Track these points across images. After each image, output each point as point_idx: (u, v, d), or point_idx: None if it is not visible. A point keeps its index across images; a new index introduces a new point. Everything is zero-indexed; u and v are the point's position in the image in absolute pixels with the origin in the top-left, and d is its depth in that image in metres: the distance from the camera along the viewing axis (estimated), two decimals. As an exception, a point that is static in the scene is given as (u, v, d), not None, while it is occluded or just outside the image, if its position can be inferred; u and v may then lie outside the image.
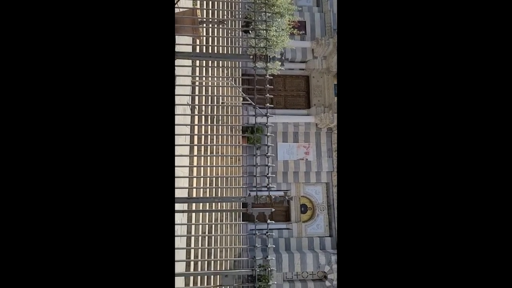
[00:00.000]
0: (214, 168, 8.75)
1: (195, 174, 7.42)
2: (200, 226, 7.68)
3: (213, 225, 8.39)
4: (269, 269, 5.80)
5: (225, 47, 9.89)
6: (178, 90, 6.01)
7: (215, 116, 8.69)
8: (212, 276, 8.27)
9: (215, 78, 8.45)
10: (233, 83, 9.83)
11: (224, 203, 9.47)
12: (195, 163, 7.53)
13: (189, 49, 7.59)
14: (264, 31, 5.52)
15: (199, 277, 7.55)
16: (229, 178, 9.86)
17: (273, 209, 5.62)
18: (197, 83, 8.20)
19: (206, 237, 8.02)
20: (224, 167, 9.41)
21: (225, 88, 9.53)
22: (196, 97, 8.07)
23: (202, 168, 7.82)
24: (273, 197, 5.48)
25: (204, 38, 8.23)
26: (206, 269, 8.05)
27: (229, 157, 10.22)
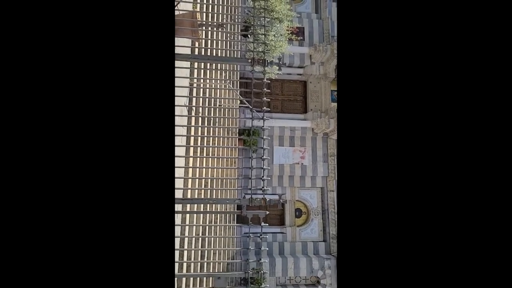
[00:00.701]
0: (210, 169, 8.78)
1: (190, 175, 7.44)
2: (194, 227, 7.69)
3: (207, 227, 8.40)
4: (262, 272, 5.81)
5: (224, 50, 9.94)
6: (176, 91, 6.04)
7: (212, 118, 8.72)
8: (204, 278, 8.27)
9: (213, 81, 8.50)
10: (231, 86, 9.87)
11: (218, 205, 9.48)
12: (190, 164, 7.55)
13: (187, 51, 7.63)
14: (263, 36, 5.57)
15: (191, 278, 7.55)
16: (224, 180, 9.87)
17: (267, 212, 5.65)
18: (195, 85, 8.23)
19: (200, 238, 8.03)
20: (220, 169, 9.43)
21: (222, 90, 9.57)
22: (194, 99, 8.10)
23: (197, 169, 7.84)
24: (267, 200, 5.51)
25: (203, 40, 8.28)
26: (199, 271, 8.04)
27: (224, 159, 10.24)
